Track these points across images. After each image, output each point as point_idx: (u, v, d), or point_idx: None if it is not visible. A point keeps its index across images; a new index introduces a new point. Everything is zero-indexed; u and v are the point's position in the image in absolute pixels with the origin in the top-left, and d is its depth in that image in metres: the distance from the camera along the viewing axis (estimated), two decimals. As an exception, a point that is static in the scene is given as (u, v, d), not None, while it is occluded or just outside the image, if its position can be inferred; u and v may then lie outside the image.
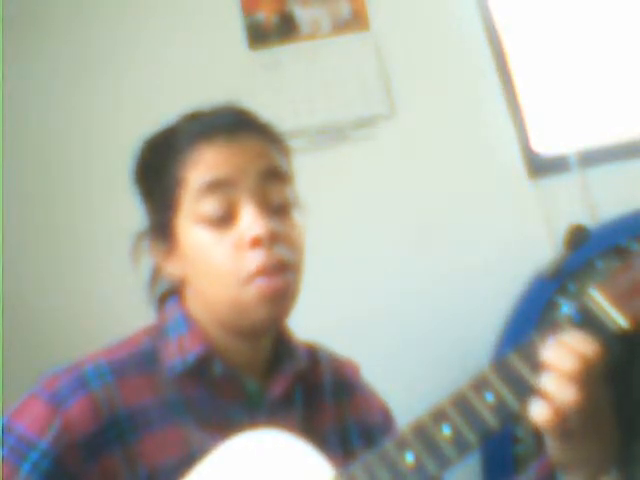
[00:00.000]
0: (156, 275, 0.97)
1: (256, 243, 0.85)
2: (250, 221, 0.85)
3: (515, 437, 1.80)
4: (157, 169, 0.92)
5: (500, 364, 0.77)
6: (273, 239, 0.86)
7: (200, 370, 0.87)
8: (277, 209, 0.89)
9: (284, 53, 2.07)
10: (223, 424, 0.86)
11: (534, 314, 1.94)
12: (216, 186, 0.87)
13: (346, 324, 1.84)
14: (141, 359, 0.88)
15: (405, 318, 1.96)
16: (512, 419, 0.76)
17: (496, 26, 2.22)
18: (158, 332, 0.91)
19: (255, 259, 0.85)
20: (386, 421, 1.03)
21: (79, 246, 1.87)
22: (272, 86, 2.02)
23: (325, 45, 2.10)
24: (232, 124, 0.91)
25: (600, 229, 2.03)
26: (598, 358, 0.74)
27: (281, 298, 0.87)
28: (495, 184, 2.11)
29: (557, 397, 0.73)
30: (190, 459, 0.81)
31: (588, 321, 0.77)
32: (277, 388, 0.91)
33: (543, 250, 2.02)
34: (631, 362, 1.15)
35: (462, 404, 0.76)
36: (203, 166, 0.88)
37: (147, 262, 0.97)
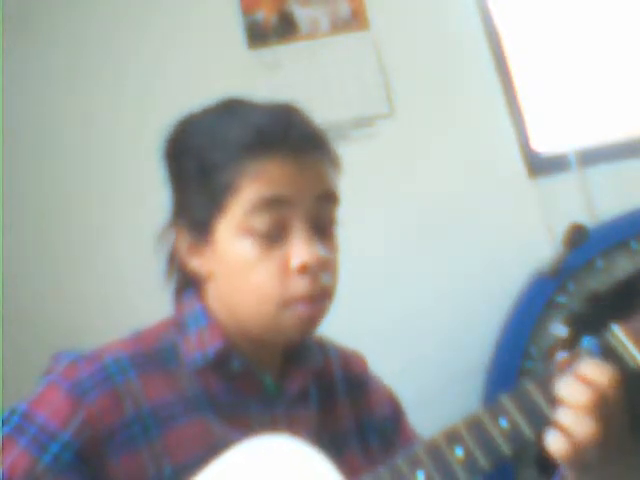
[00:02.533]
0: (173, 265, 0.95)
1: (304, 270, 0.84)
2: (301, 246, 0.84)
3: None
4: (201, 166, 0.87)
5: (517, 392, 0.78)
6: (320, 267, 0.85)
7: (219, 365, 0.87)
8: (324, 231, 0.88)
9: (283, 52, 2.07)
10: (243, 418, 0.86)
11: (534, 313, 1.94)
12: (273, 203, 0.84)
13: (344, 321, 1.84)
14: (161, 355, 0.87)
15: (404, 317, 1.96)
16: (525, 447, 0.77)
17: (496, 26, 2.23)
18: (177, 326, 0.90)
19: (301, 286, 0.84)
20: (396, 412, 1.03)
21: (75, 244, 1.87)
22: (271, 85, 2.02)
23: (324, 45, 2.11)
24: (300, 138, 0.87)
25: (599, 228, 2.03)
26: (613, 386, 0.74)
27: (316, 323, 0.88)
28: (495, 183, 2.11)
29: (574, 431, 0.73)
30: (213, 453, 0.81)
31: (608, 356, 0.78)
32: (294, 384, 0.91)
33: (543, 249, 2.02)
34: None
35: (476, 428, 0.77)
36: (263, 180, 0.84)
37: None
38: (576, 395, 0.74)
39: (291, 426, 0.88)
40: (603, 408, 0.73)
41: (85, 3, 2.00)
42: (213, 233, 0.87)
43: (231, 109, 0.90)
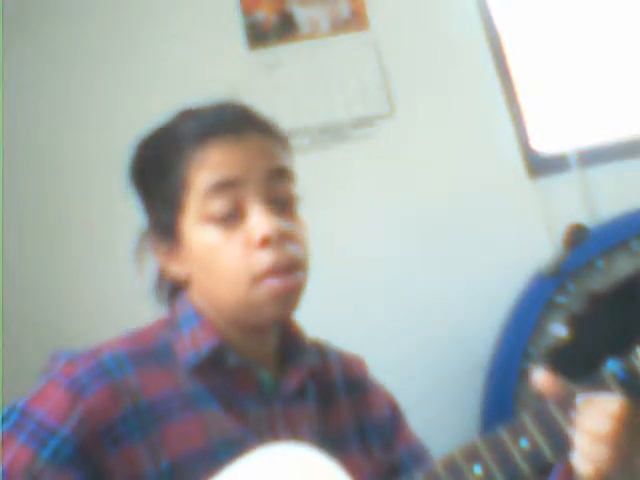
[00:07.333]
0: (162, 275, 0.96)
1: (265, 242, 0.85)
2: (258, 220, 0.86)
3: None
4: (158, 169, 0.91)
5: (539, 413, 0.78)
6: (282, 237, 0.86)
7: (214, 362, 0.88)
8: (283, 207, 0.89)
9: (284, 52, 2.07)
10: (240, 414, 0.87)
11: (534, 313, 1.94)
12: (224, 186, 0.86)
13: (344, 322, 1.85)
14: (158, 353, 0.88)
15: (403, 317, 1.96)
16: (544, 467, 0.77)
17: (496, 26, 2.23)
18: (171, 326, 0.91)
19: (266, 258, 0.85)
20: (395, 414, 1.03)
21: (74, 246, 1.87)
22: (271, 86, 2.02)
23: (325, 45, 2.11)
24: (237, 122, 0.90)
25: (600, 228, 2.03)
26: (629, 415, 0.75)
27: (291, 297, 0.88)
28: (495, 183, 2.11)
29: (594, 458, 0.75)
30: (211, 449, 0.81)
31: (634, 380, 0.78)
32: (291, 381, 0.92)
33: (543, 249, 2.02)
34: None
35: (496, 446, 0.77)
36: (210, 167, 0.87)
37: (150, 262, 0.97)
38: (598, 426, 0.75)
39: (288, 423, 0.88)
40: (627, 437, 0.75)
41: (85, 3, 2.00)
42: (180, 233, 0.89)
43: (179, 117, 0.95)
